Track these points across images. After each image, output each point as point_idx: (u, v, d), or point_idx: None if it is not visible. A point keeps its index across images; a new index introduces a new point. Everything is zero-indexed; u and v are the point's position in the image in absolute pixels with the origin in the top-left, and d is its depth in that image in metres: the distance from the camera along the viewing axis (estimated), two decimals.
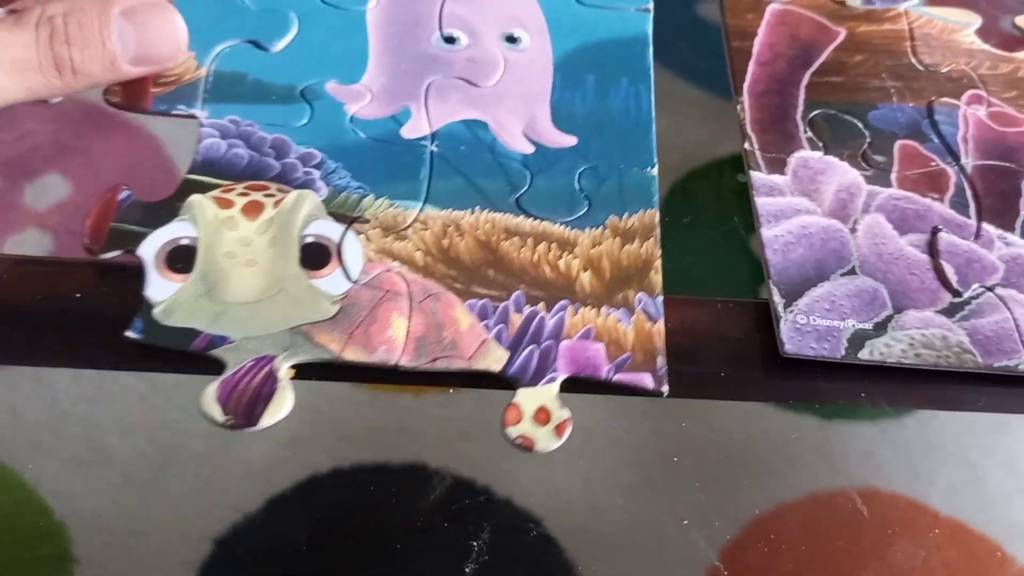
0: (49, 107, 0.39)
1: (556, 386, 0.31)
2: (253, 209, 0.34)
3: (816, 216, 0.38)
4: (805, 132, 0.40)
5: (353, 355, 0.31)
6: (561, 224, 0.35)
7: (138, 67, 0.36)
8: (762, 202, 0.38)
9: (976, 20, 0.46)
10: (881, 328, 0.35)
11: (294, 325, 0.32)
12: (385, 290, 0.33)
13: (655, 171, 0.37)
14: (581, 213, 0.36)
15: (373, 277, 0.33)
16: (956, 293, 0.36)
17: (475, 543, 0.31)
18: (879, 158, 0.40)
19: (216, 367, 0.31)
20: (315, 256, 0.33)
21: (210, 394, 0.30)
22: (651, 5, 0.43)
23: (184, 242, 0.33)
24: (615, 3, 0.43)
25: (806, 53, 0.44)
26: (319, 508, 0.32)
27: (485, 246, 0.34)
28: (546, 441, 0.31)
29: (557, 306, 0.33)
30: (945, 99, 0.42)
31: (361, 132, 0.37)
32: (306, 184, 0.35)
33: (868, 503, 0.33)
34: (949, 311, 0.36)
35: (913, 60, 0.44)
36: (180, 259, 0.33)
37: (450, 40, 0.41)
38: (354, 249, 0.34)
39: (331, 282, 0.33)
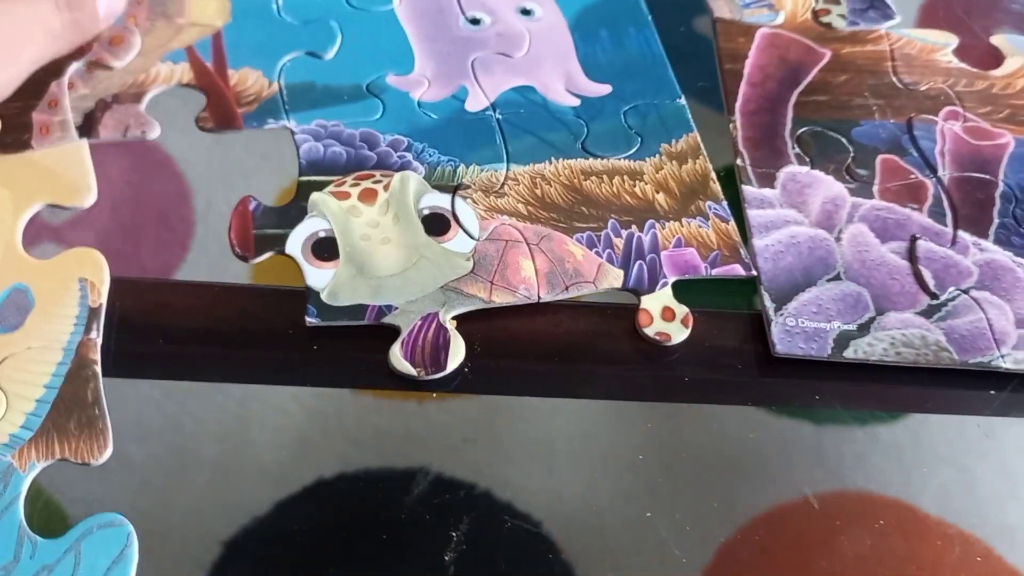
0: None
1: (669, 289, 0.37)
2: (368, 196, 0.38)
3: (804, 226, 0.40)
4: (793, 148, 0.43)
5: (500, 298, 0.36)
6: (624, 158, 0.41)
7: (106, 22, 0.41)
8: (753, 214, 0.40)
9: (953, 40, 0.48)
10: (864, 329, 0.37)
11: (442, 284, 0.36)
12: (505, 239, 0.38)
13: (683, 101, 0.43)
14: (637, 146, 0.42)
15: (491, 231, 0.38)
16: (933, 296, 0.38)
17: (454, 534, 0.33)
18: (862, 172, 0.42)
19: (391, 333, 0.36)
20: (436, 224, 0.38)
21: (397, 354, 0.35)
22: None
23: (322, 234, 0.37)
24: None
25: (794, 74, 0.46)
26: (326, 511, 0.33)
27: (571, 188, 0.40)
28: (678, 333, 0.36)
29: (647, 225, 0.39)
30: (924, 115, 0.44)
31: (432, 113, 0.42)
32: (404, 166, 0.40)
33: (861, 505, 0.35)
34: (927, 312, 0.38)
35: (894, 79, 0.46)
36: (324, 249, 0.37)
37: (475, 22, 0.46)
38: (467, 212, 0.39)
39: (458, 243, 0.38)
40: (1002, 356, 0.37)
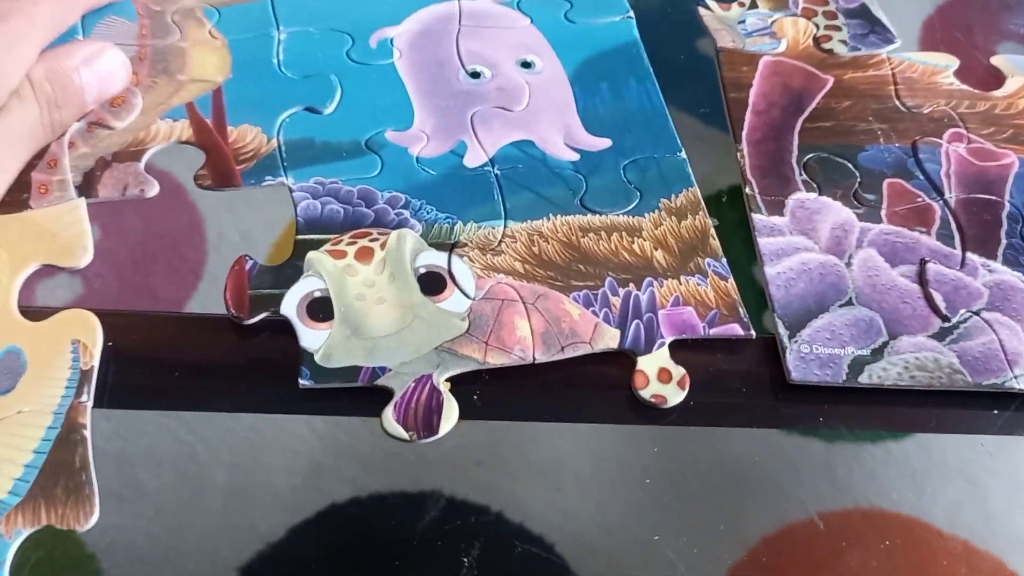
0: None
1: (666, 349, 0.37)
2: (365, 254, 0.38)
3: (814, 253, 0.41)
4: (800, 175, 0.43)
5: (495, 359, 0.36)
6: (623, 214, 0.41)
7: (94, 105, 0.42)
8: (764, 242, 0.41)
9: (954, 62, 0.49)
10: (878, 353, 0.38)
11: (437, 345, 0.36)
12: (501, 299, 0.38)
13: (683, 154, 0.43)
14: (636, 202, 0.41)
15: (487, 290, 0.38)
16: (945, 318, 0.39)
17: (466, 559, 0.33)
18: (869, 196, 0.43)
19: (384, 395, 0.35)
20: (432, 283, 0.38)
21: (389, 417, 0.35)
22: (632, 13, 0.49)
23: (317, 294, 0.37)
24: (601, 17, 0.49)
25: (798, 101, 0.46)
26: (338, 536, 0.34)
27: (569, 246, 0.40)
28: (674, 395, 0.36)
29: (644, 283, 0.39)
30: (928, 138, 0.45)
31: (430, 170, 0.42)
32: (401, 224, 0.40)
33: (872, 523, 0.35)
34: (939, 335, 0.38)
35: (897, 103, 0.47)
36: (319, 309, 0.37)
37: (475, 75, 0.46)
38: (463, 270, 0.38)
39: (454, 302, 0.37)
40: (1015, 376, 0.38)
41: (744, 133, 0.45)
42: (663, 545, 0.34)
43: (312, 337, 0.36)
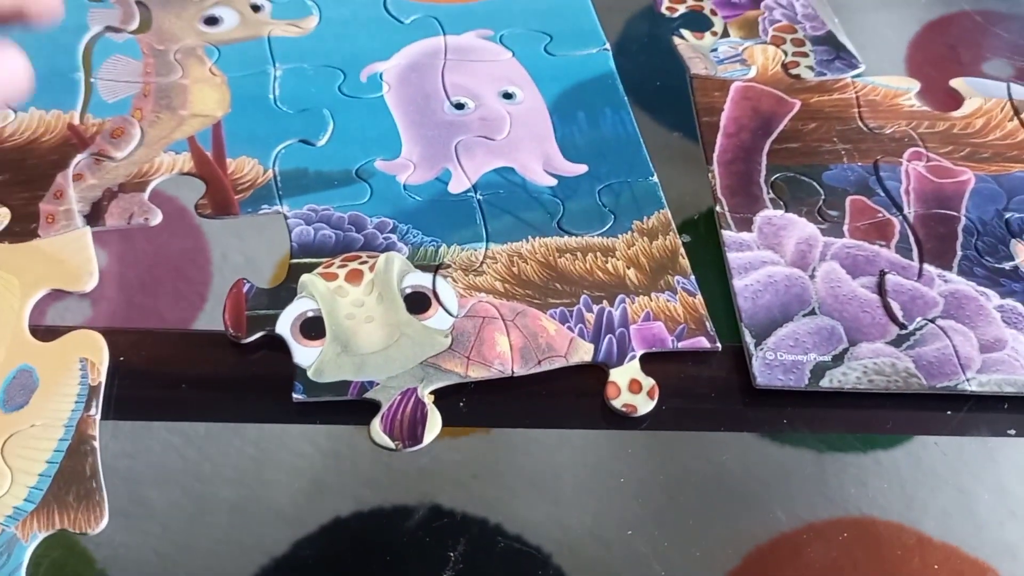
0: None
1: (637, 362, 0.39)
2: (354, 276, 0.41)
3: (780, 266, 0.43)
4: (768, 193, 0.46)
5: (476, 373, 0.39)
6: (598, 236, 0.43)
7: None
8: (733, 257, 0.43)
9: (915, 85, 0.51)
10: (839, 359, 0.40)
11: (422, 360, 0.39)
12: (482, 316, 0.40)
13: (656, 178, 0.46)
14: (610, 224, 0.44)
15: (469, 308, 0.40)
16: (902, 326, 0.41)
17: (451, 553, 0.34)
18: (833, 213, 0.45)
19: (373, 407, 0.38)
20: (417, 303, 0.40)
21: (377, 428, 0.37)
22: (608, 45, 0.52)
23: (310, 314, 0.40)
24: (579, 49, 0.52)
25: (767, 124, 0.49)
26: (341, 550, 0.35)
27: (546, 266, 0.42)
28: (644, 404, 0.38)
29: (617, 300, 0.41)
30: (889, 157, 0.47)
31: (416, 196, 0.44)
32: (389, 247, 0.42)
33: (864, 532, 0.36)
34: (897, 342, 0.40)
35: (860, 124, 0.49)
36: (312, 328, 0.39)
37: (459, 106, 0.48)
38: (447, 290, 0.41)
39: (438, 320, 0.40)
40: (967, 380, 0.40)
41: (715, 155, 0.47)
42: (661, 554, 0.35)
43: (305, 354, 0.39)
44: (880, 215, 0.45)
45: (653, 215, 0.44)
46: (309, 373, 0.38)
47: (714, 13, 0.55)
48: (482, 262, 0.42)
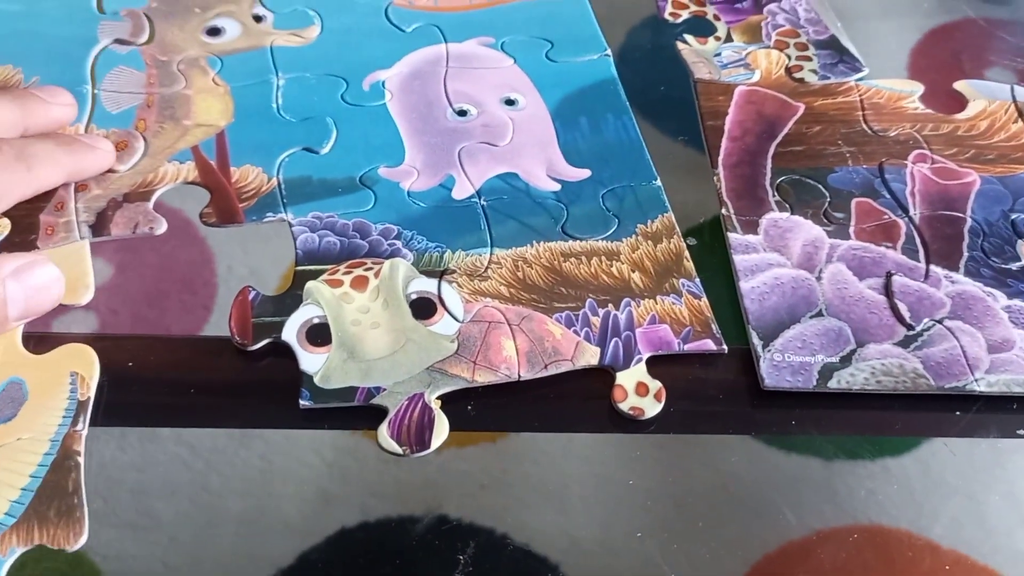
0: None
1: (643, 364, 0.39)
2: (360, 283, 0.41)
3: (786, 268, 0.43)
4: (773, 196, 0.46)
5: (483, 378, 0.39)
6: (602, 240, 0.44)
7: (19, 321, 0.38)
8: (739, 259, 0.43)
9: (919, 88, 0.52)
10: (846, 360, 0.40)
11: (428, 365, 0.39)
12: (487, 321, 0.40)
13: (659, 182, 0.46)
14: (614, 228, 0.44)
15: (475, 313, 0.40)
16: (909, 327, 0.41)
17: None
18: (838, 215, 0.45)
19: (380, 413, 0.38)
20: (423, 308, 0.41)
21: (384, 434, 0.37)
22: (609, 51, 0.52)
23: (316, 321, 0.40)
24: (580, 56, 0.52)
25: (771, 127, 0.49)
26: (347, 560, 0.35)
27: (551, 270, 0.42)
28: (651, 407, 0.38)
29: (623, 303, 0.41)
30: (894, 159, 0.48)
31: (421, 202, 0.44)
32: (394, 254, 0.42)
33: (872, 539, 0.36)
34: (904, 343, 0.40)
35: (865, 127, 0.49)
36: (318, 335, 0.39)
37: (462, 113, 0.49)
38: (452, 296, 0.41)
39: (443, 326, 0.40)
40: (976, 380, 0.40)
41: (720, 158, 0.48)
42: (671, 562, 0.35)
43: (311, 361, 0.39)
44: (886, 217, 0.45)
45: (657, 219, 0.44)
46: (316, 380, 0.38)
47: (717, 18, 0.56)
48: (487, 267, 0.42)
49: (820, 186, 0.47)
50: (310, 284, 0.41)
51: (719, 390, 0.40)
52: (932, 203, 0.46)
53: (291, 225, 0.43)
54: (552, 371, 0.39)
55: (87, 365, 0.38)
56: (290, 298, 0.41)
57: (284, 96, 0.49)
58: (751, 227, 0.45)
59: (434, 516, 0.36)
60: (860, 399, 0.39)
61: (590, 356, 0.40)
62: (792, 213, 0.45)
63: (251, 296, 0.41)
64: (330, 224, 0.43)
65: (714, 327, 0.41)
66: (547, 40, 0.52)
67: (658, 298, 0.41)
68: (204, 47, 0.51)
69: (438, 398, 0.38)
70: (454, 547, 0.35)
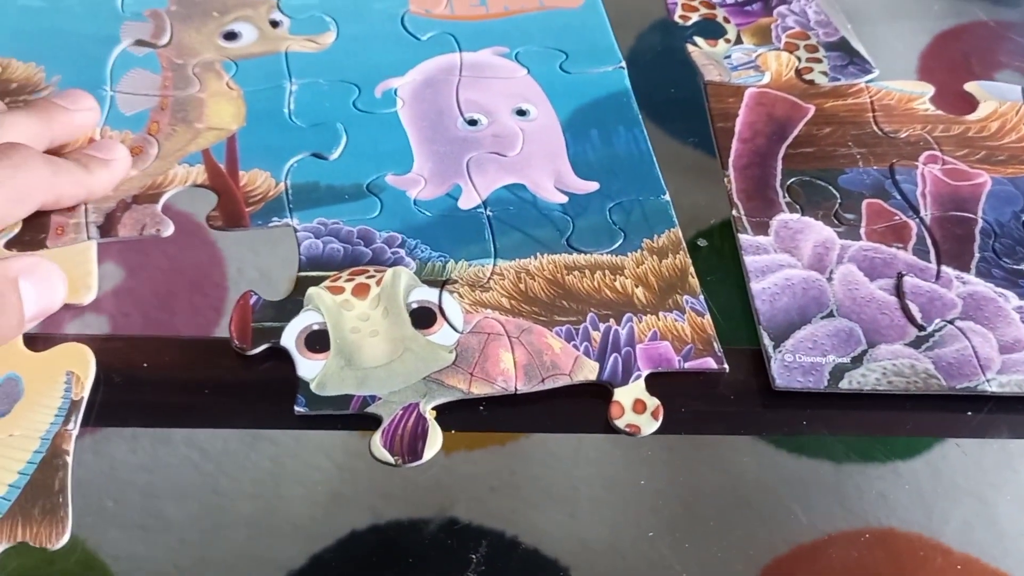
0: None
1: (642, 381, 0.39)
2: (361, 290, 0.41)
3: (797, 269, 0.43)
4: (784, 197, 0.46)
5: (479, 389, 0.38)
6: (607, 254, 0.43)
7: (35, 322, 0.39)
8: (750, 260, 0.43)
9: (930, 89, 0.52)
10: (858, 361, 0.40)
11: (425, 375, 0.39)
12: (487, 333, 0.40)
13: (667, 197, 0.46)
14: (620, 242, 0.44)
15: (474, 324, 0.40)
16: (921, 327, 0.41)
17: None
18: (849, 216, 0.45)
19: (374, 421, 0.38)
20: (423, 318, 0.40)
21: (377, 443, 0.37)
22: (624, 63, 0.52)
23: (315, 327, 0.40)
24: (594, 67, 0.52)
25: (781, 129, 0.49)
26: (357, 563, 0.35)
27: (554, 283, 0.42)
28: (648, 425, 0.38)
29: (624, 319, 0.41)
30: (905, 161, 0.48)
31: (426, 211, 0.44)
32: (397, 262, 0.42)
33: (884, 542, 0.36)
34: (916, 343, 0.41)
35: (875, 128, 0.49)
36: (316, 341, 0.39)
37: (472, 123, 0.48)
38: (453, 306, 0.41)
39: (442, 336, 0.40)
40: (987, 380, 0.40)
41: (731, 160, 0.48)
42: (681, 566, 0.35)
43: (308, 367, 0.39)
44: (897, 218, 0.45)
45: (664, 234, 0.44)
46: (312, 386, 0.38)
47: (727, 21, 0.56)
48: (489, 278, 0.42)
49: (831, 187, 0.47)
50: (311, 290, 0.41)
51: (730, 391, 0.40)
52: (943, 204, 0.46)
53: (296, 230, 0.43)
54: (549, 385, 0.39)
55: (83, 365, 0.38)
56: (291, 303, 0.41)
57: (296, 101, 0.49)
58: (761, 228, 0.45)
59: (444, 518, 0.36)
60: (871, 400, 0.39)
61: (588, 371, 0.39)
62: (803, 214, 0.45)
63: (252, 300, 0.41)
64: (335, 230, 0.43)
65: (716, 345, 0.40)
66: (562, 51, 0.52)
67: (660, 314, 0.41)
68: (220, 51, 0.51)
69: (433, 408, 0.38)
70: (464, 550, 0.35)
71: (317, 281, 0.41)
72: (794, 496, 0.37)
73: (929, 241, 0.44)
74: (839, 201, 0.46)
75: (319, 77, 0.50)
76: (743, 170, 0.47)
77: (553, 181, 0.46)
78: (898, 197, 0.46)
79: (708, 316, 0.41)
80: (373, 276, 0.42)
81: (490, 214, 0.44)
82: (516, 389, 0.38)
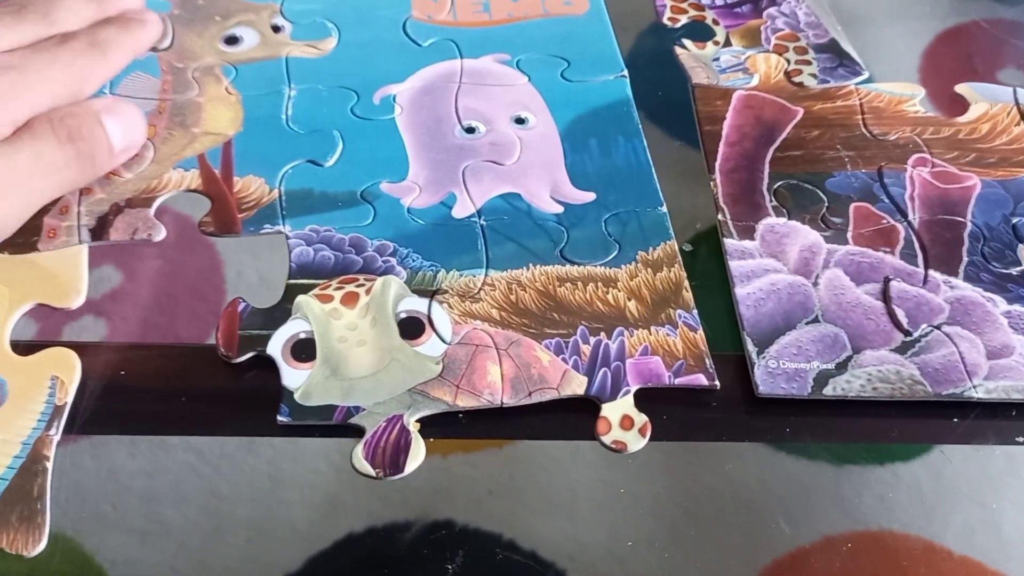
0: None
1: (631, 397, 0.38)
2: (350, 299, 0.41)
3: (783, 274, 0.42)
4: (771, 201, 0.45)
5: (464, 402, 0.38)
6: (601, 266, 0.43)
7: (125, 154, 0.44)
8: (735, 265, 0.43)
9: (920, 91, 0.51)
10: (842, 367, 0.39)
11: (411, 387, 0.38)
12: (475, 344, 0.40)
13: (664, 208, 0.45)
14: (614, 254, 0.43)
15: (463, 336, 0.40)
16: (907, 333, 0.41)
17: None
18: (836, 220, 0.45)
19: (357, 432, 0.37)
20: (411, 328, 0.40)
21: (359, 455, 0.36)
22: (626, 72, 0.51)
23: (302, 336, 0.40)
24: (596, 76, 0.51)
25: (769, 132, 0.49)
26: (356, 566, 0.35)
27: (545, 295, 0.41)
28: (635, 442, 0.37)
29: (615, 332, 0.40)
30: (893, 163, 0.47)
31: (420, 220, 0.44)
32: (387, 271, 0.42)
33: (883, 545, 0.36)
34: (901, 349, 0.40)
35: (864, 131, 0.49)
36: (303, 350, 0.39)
37: (470, 130, 0.48)
38: (442, 316, 0.40)
39: (430, 347, 0.39)
40: (974, 387, 0.39)
41: (717, 163, 0.47)
42: (672, 570, 0.35)
43: (294, 376, 0.38)
44: (885, 221, 0.45)
45: (659, 246, 0.43)
46: (296, 396, 0.38)
47: (716, 23, 0.55)
48: (480, 289, 0.42)
49: (818, 191, 0.46)
50: (300, 298, 0.41)
51: (713, 396, 0.39)
52: (932, 207, 0.46)
53: (288, 237, 0.43)
54: (536, 399, 0.38)
55: (68, 370, 0.38)
56: (279, 311, 0.40)
57: (294, 107, 0.48)
58: (747, 232, 0.44)
59: (441, 522, 0.36)
60: (856, 406, 0.39)
61: (576, 386, 0.39)
62: (789, 218, 0.45)
63: (240, 308, 0.41)
64: (326, 238, 0.43)
65: (708, 361, 0.39)
66: (564, 59, 0.51)
67: (652, 328, 0.40)
68: (220, 55, 0.51)
69: (417, 421, 0.38)
70: (461, 552, 0.35)
71: (306, 289, 0.41)
72: (793, 499, 0.37)
73: (917, 245, 0.44)
74: (826, 205, 0.45)
75: (318, 83, 0.50)
76: (729, 174, 0.47)
77: (549, 191, 0.46)
78: (886, 200, 0.46)
79: (701, 331, 0.40)
80: (363, 285, 0.41)
81: (484, 223, 0.44)
82: (502, 402, 0.38)
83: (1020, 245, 0.44)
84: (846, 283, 0.42)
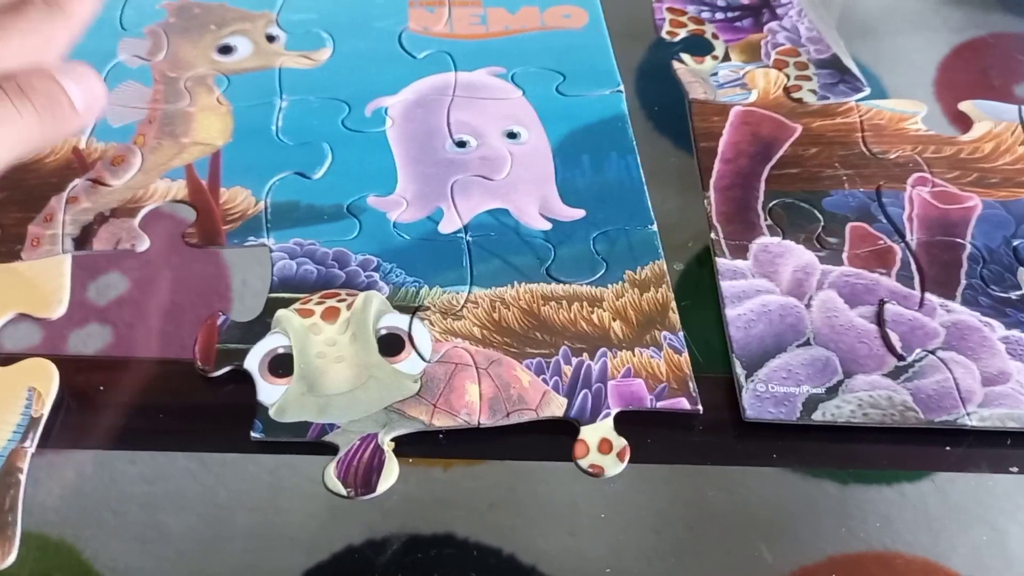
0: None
1: (611, 420, 0.38)
2: (331, 314, 0.40)
3: (775, 295, 0.42)
4: (765, 220, 0.45)
5: (441, 422, 0.37)
6: (587, 284, 0.42)
7: (89, 113, 0.37)
8: (726, 285, 0.42)
9: (922, 109, 0.50)
10: (833, 392, 0.38)
11: (387, 405, 0.38)
12: (455, 363, 0.39)
13: (655, 227, 0.44)
14: (601, 273, 0.42)
15: (443, 354, 0.39)
16: (900, 357, 0.40)
17: None
18: (832, 240, 0.44)
19: (331, 450, 0.37)
20: (391, 345, 0.39)
21: (331, 473, 0.36)
22: (622, 87, 0.50)
23: (280, 351, 0.39)
24: (591, 90, 0.50)
25: (766, 149, 0.48)
26: None
27: (529, 313, 0.41)
28: (612, 466, 0.37)
29: (598, 353, 0.39)
30: (893, 183, 0.46)
31: (405, 235, 0.44)
32: (370, 286, 0.41)
33: (888, 566, 0.35)
34: (894, 374, 0.39)
35: (864, 149, 0.48)
36: (280, 365, 0.39)
37: (461, 144, 0.47)
38: (422, 334, 0.40)
39: (409, 364, 0.39)
40: (968, 414, 0.38)
41: (712, 180, 0.46)
42: None
43: (269, 392, 0.38)
44: (882, 242, 0.44)
45: (648, 266, 0.43)
46: (271, 412, 0.37)
47: (716, 37, 0.54)
48: (463, 306, 0.41)
49: (815, 210, 0.45)
50: (280, 312, 0.40)
51: (699, 420, 0.38)
52: (931, 228, 0.45)
53: (271, 250, 0.43)
54: (514, 420, 0.38)
55: (46, 381, 0.38)
56: (259, 325, 0.40)
57: (285, 119, 0.48)
58: (740, 252, 0.43)
59: (442, 534, 0.35)
60: (846, 431, 0.38)
61: (556, 407, 0.38)
62: (784, 238, 0.44)
63: (220, 321, 0.40)
64: (310, 252, 0.43)
65: (691, 385, 0.39)
66: (559, 72, 0.51)
67: (636, 350, 0.40)
68: (214, 65, 0.51)
69: (392, 440, 0.37)
70: (461, 566, 0.34)
71: (287, 303, 0.41)
72: (798, 518, 0.36)
73: (914, 267, 0.43)
74: (822, 224, 0.44)
75: (310, 94, 0.49)
76: (724, 191, 0.46)
77: (538, 207, 0.45)
78: (884, 220, 0.45)
79: (686, 354, 0.39)
80: (344, 300, 0.41)
81: (470, 239, 0.43)
82: (479, 423, 0.37)
83: (1020, 268, 0.43)
84: (840, 305, 0.41)
